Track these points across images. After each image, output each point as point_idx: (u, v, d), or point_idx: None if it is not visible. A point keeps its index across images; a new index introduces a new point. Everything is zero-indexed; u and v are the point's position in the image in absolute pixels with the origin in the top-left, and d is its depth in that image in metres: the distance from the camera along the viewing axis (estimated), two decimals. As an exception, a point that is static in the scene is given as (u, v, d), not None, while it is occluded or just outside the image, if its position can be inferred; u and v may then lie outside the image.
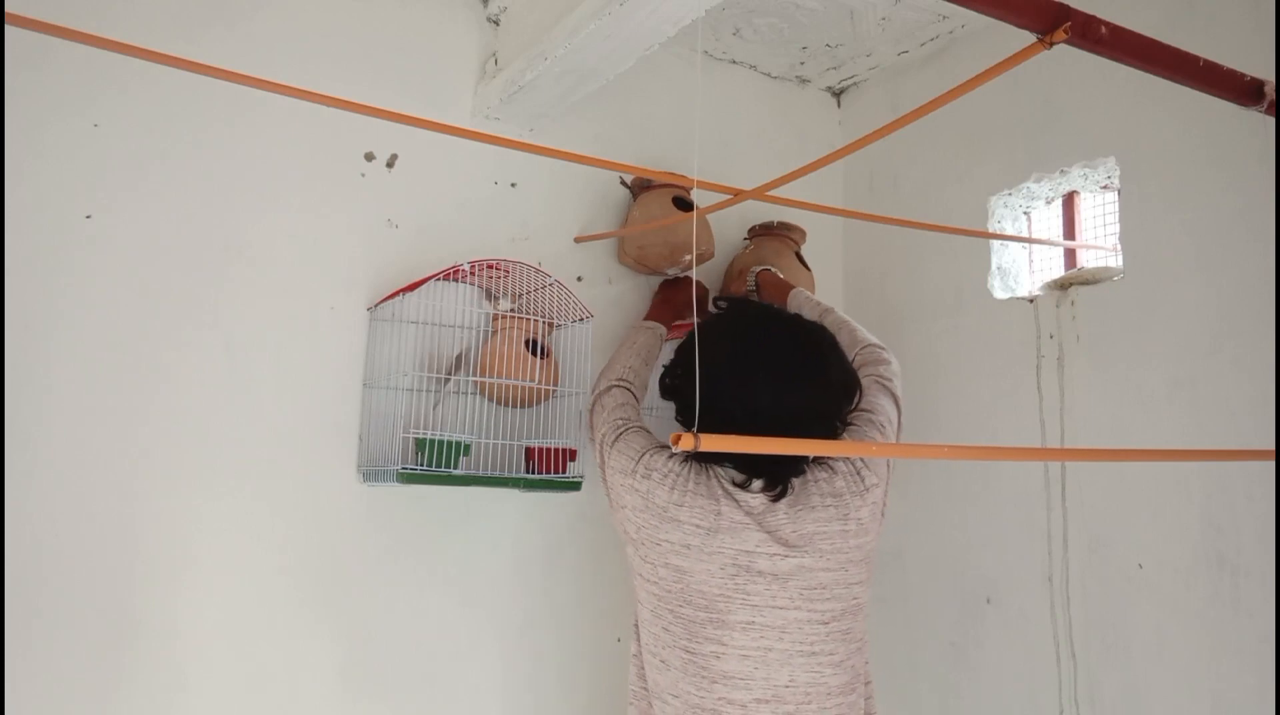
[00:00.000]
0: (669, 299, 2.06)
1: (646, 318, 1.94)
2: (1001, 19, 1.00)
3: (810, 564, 1.35)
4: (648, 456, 1.43)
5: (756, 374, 1.37)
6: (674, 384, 1.53)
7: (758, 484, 1.39)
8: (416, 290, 1.89)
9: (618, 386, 1.70)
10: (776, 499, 1.37)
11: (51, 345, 1.67)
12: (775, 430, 1.34)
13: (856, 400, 1.49)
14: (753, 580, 1.33)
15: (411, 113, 1.55)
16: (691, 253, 2.19)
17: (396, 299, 1.90)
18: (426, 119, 1.46)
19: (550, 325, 2.03)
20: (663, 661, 1.34)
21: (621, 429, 1.54)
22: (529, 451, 1.96)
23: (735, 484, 1.39)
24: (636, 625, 1.47)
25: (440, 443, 1.78)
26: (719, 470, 1.41)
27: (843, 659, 1.38)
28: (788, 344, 1.41)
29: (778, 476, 1.39)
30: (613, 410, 1.61)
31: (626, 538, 1.44)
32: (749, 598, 1.33)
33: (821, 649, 1.35)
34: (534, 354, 1.96)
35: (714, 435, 0.84)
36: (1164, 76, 1.14)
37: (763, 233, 2.35)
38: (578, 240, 2.23)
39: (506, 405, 2.01)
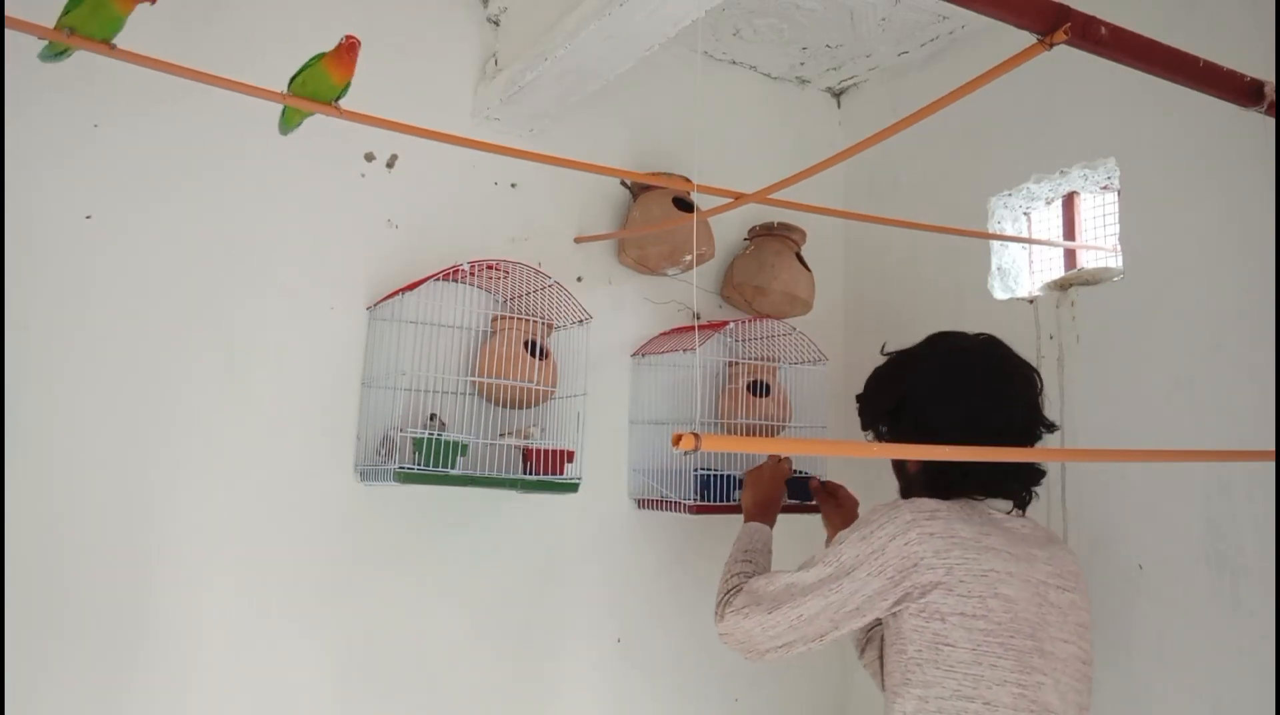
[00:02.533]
0: (760, 500, 1.81)
1: (747, 521, 1.74)
2: (1002, 19, 1.00)
3: (1078, 601, 1.39)
4: (910, 506, 1.36)
5: (1007, 393, 1.44)
6: (916, 409, 1.48)
7: (1008, 505, 1.44)
8: (416, 290, 1.89)
9: (738, 578, 1.54)
10: (1020, 507, 1.44)
11: (51, 345, 1.67)
12: (1021, 444, 1.44)
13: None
14: (1049, 611, 1.34)
15: (412, 113, 1.55)
16: (692, 253, 2.19)
17: (396, 299, 1.90)
18: (424, 128, 1.47)
19: (549, 326, 2.03)
20: (986, 704, 1.27)
21: (831, 549, 1.41)
22: (527, 452, 1.96)
23: (995, 511, 1.42)
24: (914, 685, 1.33)
25: (438, 442, 1.78)
26: (974, 501, 1.42)
27: (1087, 707, 1.38)
28: (1013, 365, 1.50)
29: (1025, 501, 1.46)
30: (769, 579, 1.44)
31: (926, 587, 1.31)
32: (1049, 628, 1.33)
33: (1085, 688, 1.37)
34: (533, 355, 1.96)
35: (714, 436, 0.84)
36: (1164, 77, 1.14)
37: (763, 234, 2.35)
38: (578, 241, 2.23)
39: (505, 406, 2.01)
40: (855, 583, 1.33)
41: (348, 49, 1.37)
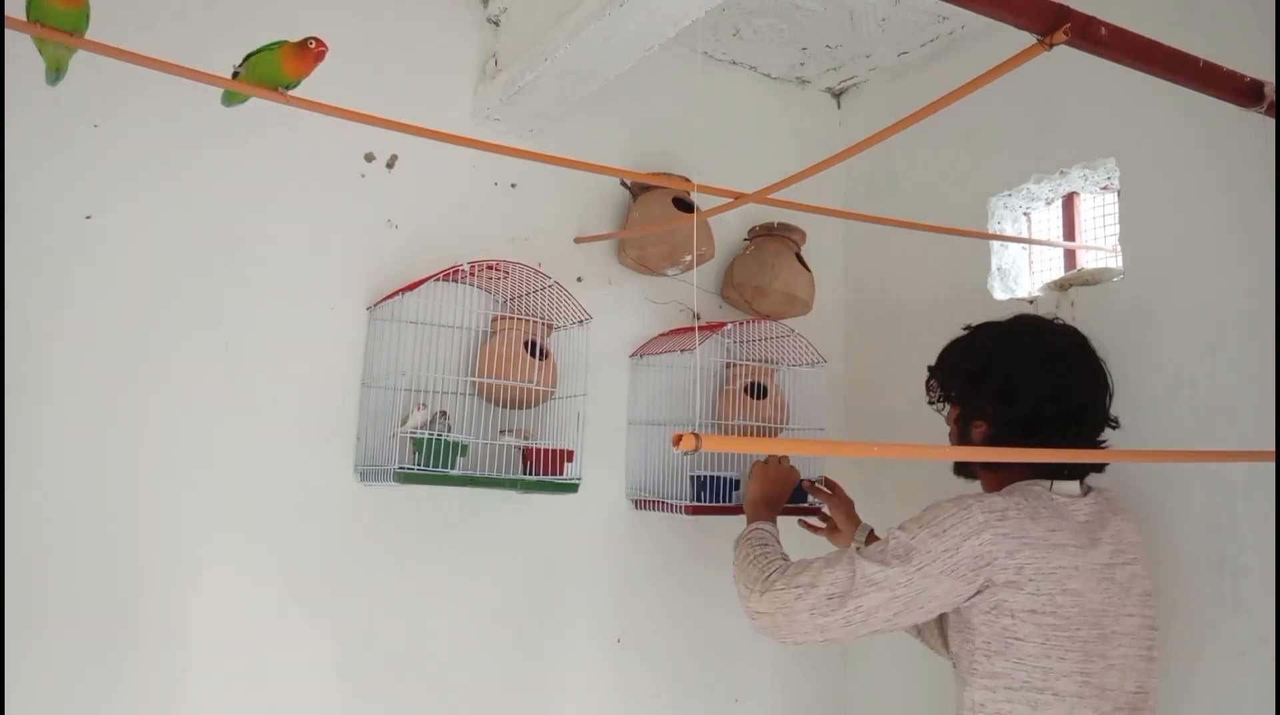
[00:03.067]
0: (769, 496, 1.81)
1: (752, 519, 1.73)
2: (1002, 20, 1.00)
3: (1140, 571, 1.43)
4: (981, 505, 1.36)
5: (1096, 378, 1.50)
6: (992, 385, 1.49)
7: (1075, 487, 1.45)
8: (416, 290, 1.89)
9: (780, 561, 1.52)
10: (1085, 495, 1.45)
11: (52, 345, 1.67)
12: (1098, 431, 1.50)
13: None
14: (1114, 590, 1.38)
15: (411, 113, 1.55)
16: (692, 253, 2.19)
17: (396, 299, 1.90)
18: (424, 128, 1.46)
19: (549, 327, 2.03)
20: (1055, 695, 1.32)
21: (897, 541, 1.40)
22: (527, 452, 1.96)
23: (1061, 495, 1.43)
24: (983, 675, 1.36)
25: (438, 443, 1.78)
26: (1039, 488, 1.43)
27: (1160, 665, 1.43)
28: (1088, 348, 1.54)
29: (1088, 473, 1.50)
30: (827, 563, 1.42)
31: (997, 586, 1.33)
32: (1112, 608, 1.37)
33: (1156, 654, 1.42)
34: (532, 355, 1.96)
35: (715, 436, 0.84)
36: (1164, 77, 1.14)
37: (763, 234, 2.35)
38: (578, 241, 2.23)
39: (505, 406, 2.01)
40: (927, 580, 1.34)
41: (314, 54, 1.33)
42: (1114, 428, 1.52)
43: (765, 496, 1.81)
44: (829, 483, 1.98)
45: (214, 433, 1.78)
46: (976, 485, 1.60)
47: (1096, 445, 1.50)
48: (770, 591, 1.44)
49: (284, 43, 1.35)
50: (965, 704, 1.40)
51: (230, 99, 1.46)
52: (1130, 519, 1.47)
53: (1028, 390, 1.45)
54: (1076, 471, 1.46)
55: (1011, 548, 1.33)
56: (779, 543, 1.64)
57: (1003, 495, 1.41)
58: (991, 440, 1.50)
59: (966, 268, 2.22)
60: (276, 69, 1.34)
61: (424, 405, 1.84)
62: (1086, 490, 1.47)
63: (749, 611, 1.48)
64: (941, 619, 1.63)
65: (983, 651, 1.37)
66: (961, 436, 1.57)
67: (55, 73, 1.32)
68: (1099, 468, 1.53)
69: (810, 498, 2.02)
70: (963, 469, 1.64)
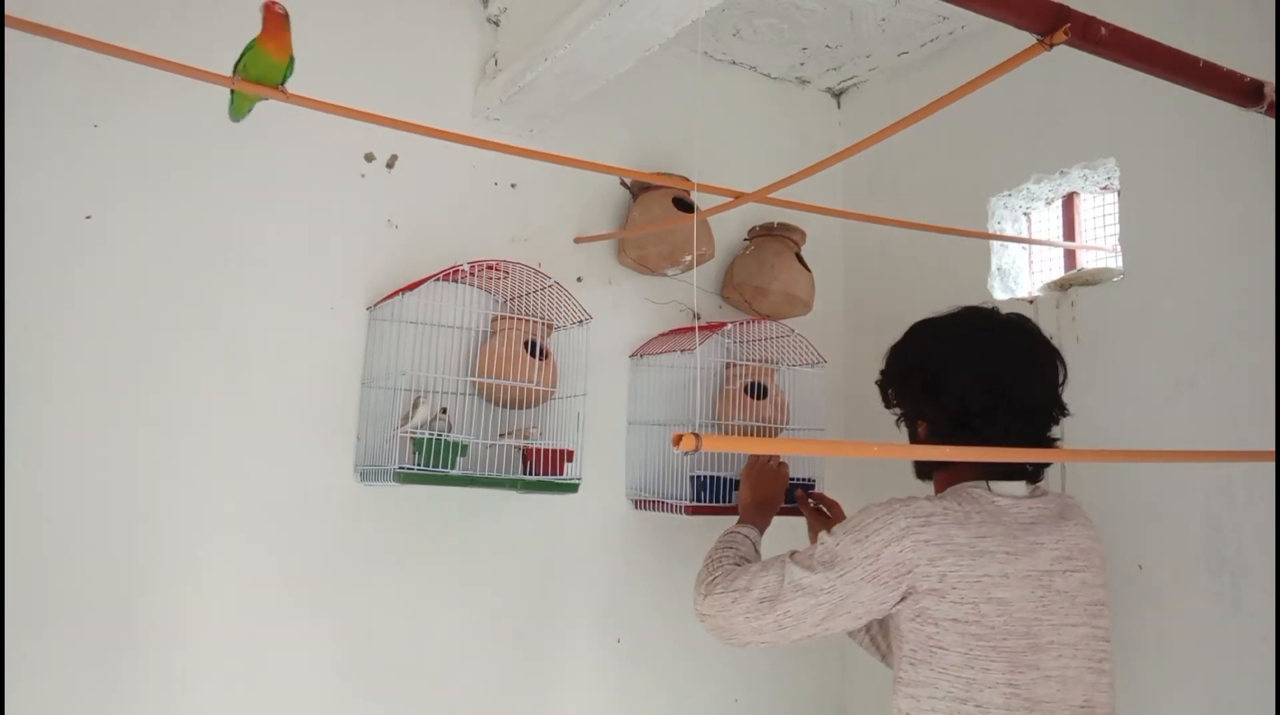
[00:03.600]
0: (761, 499, 1.81)
1: (740, 522, 1.71)
2: (1002, 20, 1.00)
3: (1090, 579, 1.38)
4: (906, 509, 1.34)
5: (1030, 367, 1.42)
6: (921, 383, 1.46)
7: (1021, 487, 1.40)
8: (416, 290, 1.89)
9: (725, 564, 1.53)
10: (1033, 496, 1.40)
11: (52, 345, 1.67)
12: (1038, 422, 1.41)
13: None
14: (1054, 599, 1.33)
15: (411, 113, 1.55)
16: (692, 253, 2.19)
17: (396, 299, 1.90)
18: (425, 127, 1.46)
19: (549, 327, 2.03)
20: (978, 706, 1.28)
21: (824, 547, 1.38)
22: (527, 452, 1.96)
23: (1002, 497, 1.38)
24: (907, 684, 1.34)
25: (438, 443, 1.78)
26: (978, 490, 1.38)
27: (1113, 679, 1.39)
28: (1028, 337, 1.47)
29: (1038, 471, 1.44)
30: (763, 567, 1.42)
31: (920, 593, 1.31)
32: (1051, 617, 1.32)
33: (1107, 667, 1.38)
34: (532, 355, 1.96)
35: (715, 436, 0.84)
36: (1164, 77, 1.14)
37: (763, 234, 2.35)
38: (578, 241, 2.23)
39: (505, 406, 2.01)
40: (849, 586, 1.33)
41: (276, 18, 1.30)
42: (1061, 417, 1.45)
43: (756, 499, 1.79)
44: (822, 499, 1.92)
45: (214, 433, 1.78)
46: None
47: (1049, 442, 1.43)
48: (711, 595, 1.45)
49: (254, 37, 1.33)
50: (892, 711, 1.38)
51: (237, 113, 1.46)
52: (1085, 525, 1.42)
53: (953, 381, 1.40)
54: (1019, 471, 1.40)
55: (934, 555, 1.30)
56: (753, 546, 1.62)
57: (934, 499, 1.37)
58: (931, 438, 1.46)
59: (966, 268, 2.22)
60: (264, 59, 1.32)
61: (424, 398, 1.84)
62: (1036, 492, 1.41)
63: (696, 612, 1.49)
64: (883, 625, 1.62)
65: (908, 659, 1.34)
66: (911, 437, 1.54)
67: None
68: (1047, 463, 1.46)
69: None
70: (921, 471, 1.57)
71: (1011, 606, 1.30)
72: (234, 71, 1.35)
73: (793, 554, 1.42)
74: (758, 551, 1.64)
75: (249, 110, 1.45)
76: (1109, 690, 1.37)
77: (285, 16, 1.31)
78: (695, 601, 1.49)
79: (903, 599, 1.33)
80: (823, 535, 1.40)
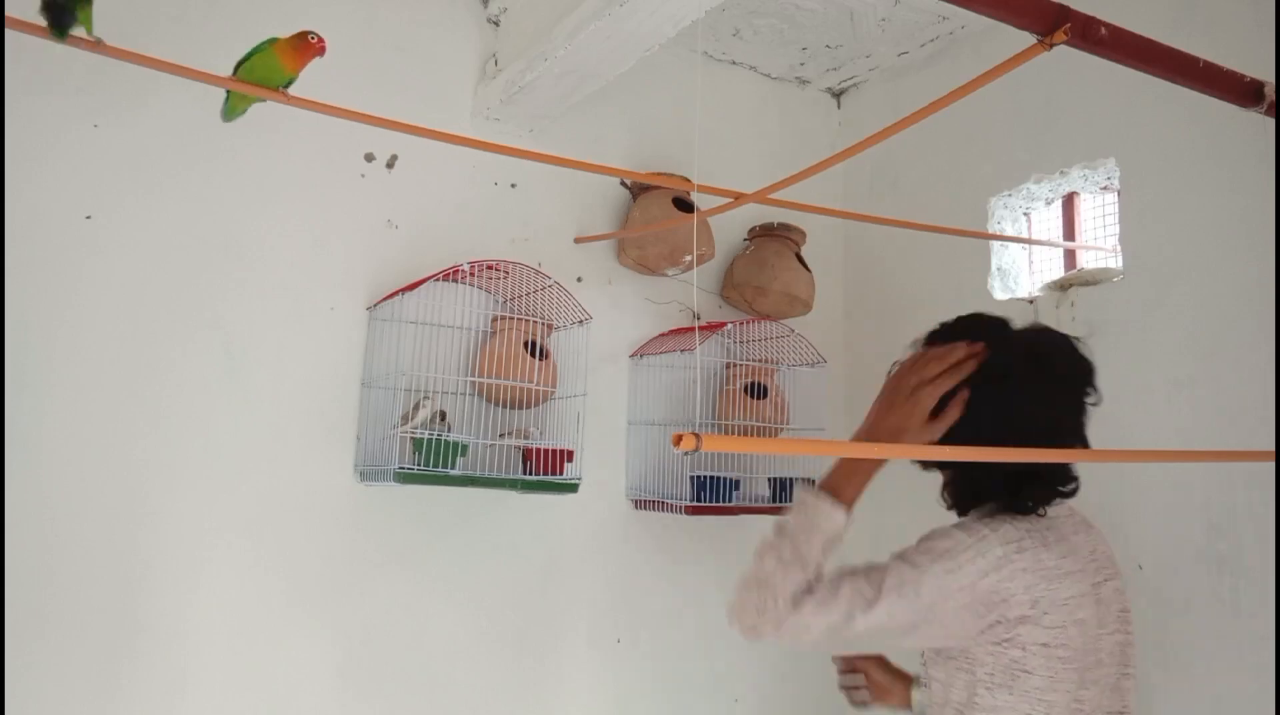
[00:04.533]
0: (881, 427, 1.41)
1: (823, 486, 1.35)
2: (1002, 20, 1.00)
3: (1119, 586, 1.38)
4: (996, 536, 1.26)
5: (1062, 389, 1.38)
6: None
7: (1063, 506, 1.37)
8: (416, 290, 1.89)
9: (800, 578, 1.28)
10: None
11: (52, 345, 1.67)
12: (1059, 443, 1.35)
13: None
14: (1102, 610, 1.32)
15: (411, 113, 1.55)
16: (692, 253, 2.19)
17: (396, 299, 1.90)
18: (424, 128, 1.46)
19: (549, 327, 2.03)
20: None
21: (916, 556, 1.28)
22: (527, 452, 1.96)
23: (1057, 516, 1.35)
24: (982, 708, 1.27)
25: (438, 443, 1.78)
26: (1043, 517, 1.33)
27: (1128, 687, 1.38)
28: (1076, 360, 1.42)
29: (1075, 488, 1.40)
30: (858, 573, 1.27)
31: (1010, 621, 1.25)
32: (1102, 629, 1.32)
33: (1132, 670, 1.37)
34: (532, 355, 1.96)
35: (715, 436, 0.84)
36: (1164, 77, 1.14)
37: (763, 234, 2.35)
38: (578, 241, 2.23)
39: (505, 406, 2.01)
40: (936, 613, 1.24)
41: (314, 48, 1.30)
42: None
43: (876, 426, 1.40)
44: (851, 666, 1.56)
45: (214, 433, 1.78)
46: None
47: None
48: (798, 612, 1.23)
49: (275, 39, 1.33)
50: None
51: (230, 113, 1.44)
52: (1100, 533, 1.42)
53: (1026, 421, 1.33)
54: (1069, 491, 1.35)
55: (1029, 582, 1.26)
56: (837, 535, 1.32)
57: (1014, 521, 1.31)
58: (998, 477, 1.37)
59: (966, 268, 2.22)
60: (275, 66, 1.32)
61: (424, 400, 1.84)
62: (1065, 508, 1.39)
63: (767, 617, 1.24)
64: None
65: (985, 684, 1.29)
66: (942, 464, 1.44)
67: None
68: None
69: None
70: (962, 508, 1.43)
71: (1087, 626, 1.30)
72: (235, 69, 1.34)
73: (884, 579, 1.26)
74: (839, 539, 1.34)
75: (243, 111, 1.44)
76: (1134, 693, 1.38)
77: (321, 54, 1.32)
78: (765, 609, 1.24)
79: (990, 627, 1.27)
80: (895, 560, 1.28)
